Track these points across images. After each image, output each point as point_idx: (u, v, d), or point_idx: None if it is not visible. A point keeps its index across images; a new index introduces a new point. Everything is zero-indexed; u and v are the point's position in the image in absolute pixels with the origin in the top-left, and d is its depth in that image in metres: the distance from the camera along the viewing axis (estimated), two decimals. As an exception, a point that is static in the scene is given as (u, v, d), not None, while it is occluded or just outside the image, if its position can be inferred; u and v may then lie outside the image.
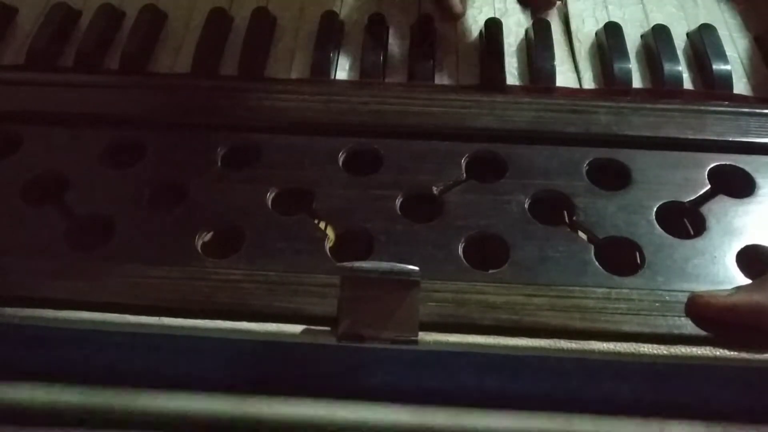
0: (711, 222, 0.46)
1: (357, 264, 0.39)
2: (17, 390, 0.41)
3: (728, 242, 0.45)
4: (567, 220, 0.46)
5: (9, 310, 0.41)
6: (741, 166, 0.49)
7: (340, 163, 0.49)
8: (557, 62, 0.57)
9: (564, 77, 0.57)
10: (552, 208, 0.47)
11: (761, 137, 0.50)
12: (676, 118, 0.51)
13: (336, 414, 0.39)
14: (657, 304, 0.41)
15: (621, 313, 0.41)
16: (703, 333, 0.40)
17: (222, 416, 0.40)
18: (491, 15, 0.62)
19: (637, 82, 0.57)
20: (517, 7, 0.63)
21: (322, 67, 0.57)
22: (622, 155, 0.49)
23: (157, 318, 0.41)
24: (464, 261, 0.44)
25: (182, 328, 0.41)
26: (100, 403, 0.40)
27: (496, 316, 0.41)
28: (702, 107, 0.52)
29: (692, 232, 0.46)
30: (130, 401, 0.40)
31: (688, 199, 0.47)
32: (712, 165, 0.49)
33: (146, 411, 0.40)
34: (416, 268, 0.39)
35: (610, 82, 0.56)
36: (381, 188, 0.48)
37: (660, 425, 0.39)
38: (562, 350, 0.40)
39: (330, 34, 0.59)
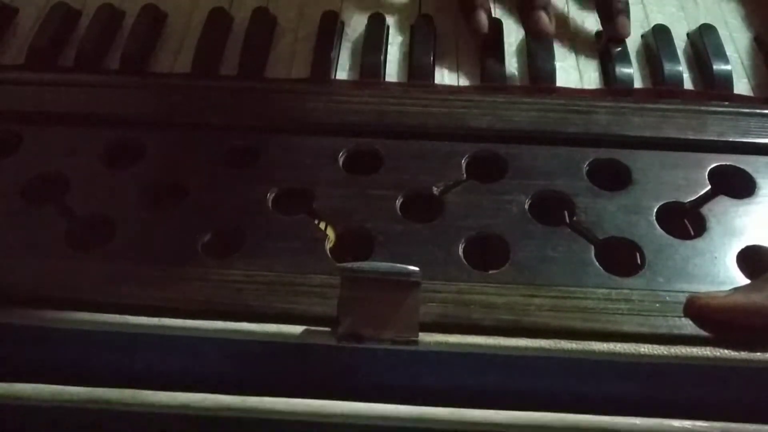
0: (711, 222, 0.46)
1: (357, 264, 0.39)
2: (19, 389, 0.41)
3: (728, 243, 0.45)
4: (567, 221, 0.46)
5: (9, 310, 0.41)
6: (741, 166, 0.49)
7: (340, 163, 0.49)
8: (557, 61, 0.57)
9: (564, 77, 0.57)
10: (552, 209, 0.47)
11: (761, 137, 0.50)
12: (677, 118, 0.51)
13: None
14: (657, 305, 0.41)
15: (621, 314, 0.41)
16: (703, 333, 0.40)
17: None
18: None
19: (637, 82, 0.56)
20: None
21: (322, 67, 0.57)
22: (623, 155, 0.49)
23: (157, 318, 0.41)
24: (464, 261, 0.44)
25: (182, 328, 0.41)
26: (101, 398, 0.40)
27: (496, 316, 0.41)
28: (702, 107, 0.52)
29: (692, 233, 0.46)
30: (131, 398, 0.40)
31: (689, 200, 0.47)
32: (712, 165, 0.48)
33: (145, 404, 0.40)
34: (416, 268, 0.39)
35: (610, 82, 0.56)
36: (381, 188, 0.47)
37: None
38: (563, 350, 0.40)
39: (330, 34, 0.59)
